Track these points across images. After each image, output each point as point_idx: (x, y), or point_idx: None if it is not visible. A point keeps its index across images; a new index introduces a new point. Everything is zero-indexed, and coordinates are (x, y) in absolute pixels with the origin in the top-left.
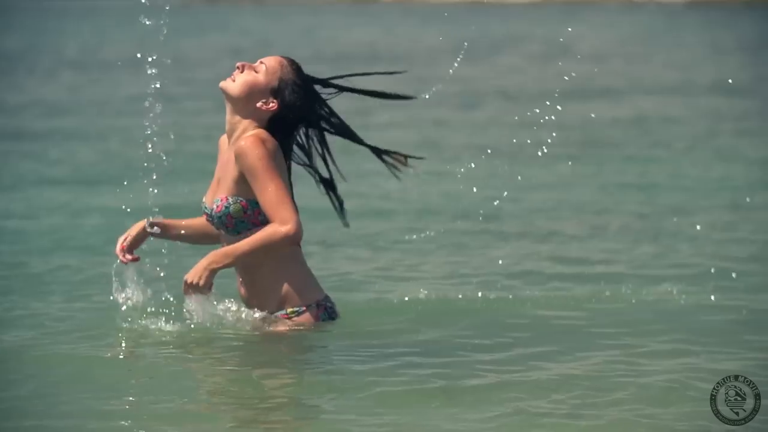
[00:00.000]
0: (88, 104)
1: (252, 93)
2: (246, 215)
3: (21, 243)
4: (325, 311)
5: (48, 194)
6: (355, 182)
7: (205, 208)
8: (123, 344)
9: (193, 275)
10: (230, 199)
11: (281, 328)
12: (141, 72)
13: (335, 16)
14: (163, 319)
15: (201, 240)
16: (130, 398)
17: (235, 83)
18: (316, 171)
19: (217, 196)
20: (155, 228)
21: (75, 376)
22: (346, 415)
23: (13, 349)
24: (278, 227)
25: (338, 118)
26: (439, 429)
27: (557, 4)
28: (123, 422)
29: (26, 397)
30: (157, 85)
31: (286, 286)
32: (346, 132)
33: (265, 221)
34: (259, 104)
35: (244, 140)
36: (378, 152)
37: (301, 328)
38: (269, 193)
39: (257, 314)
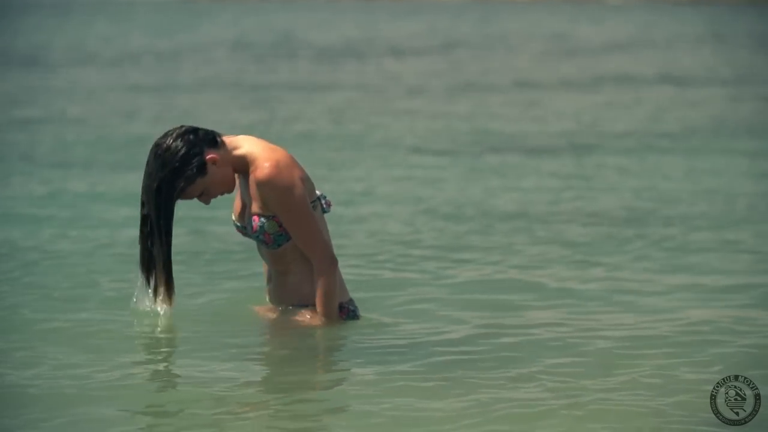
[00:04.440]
0: (87, 96)
1: (223, 180)
2: (282, 229)
3: (17, 231)
4: (348, 314)
5: (44, 183)
6: (351, 180)
7: (236, 224)
8: (134, 336)
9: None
10: (263, 218)
11: (300, 320)
12: (142, 66)
13: (338, 14)
14: (179, 311)
15: None
16: (139, 389)
17: (223, 190)
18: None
19: (249, 215)
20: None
21: (69, 363)
22: (361, 407)
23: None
24: (320, 273)
25: None
26: (451, 419)
27: (558, 3)
28: (132, 415)
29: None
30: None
31: (311, 287)
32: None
33: None
34: (214, 163)
35: (262, 170)
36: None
37: (311, 326)
38: (296, 231)
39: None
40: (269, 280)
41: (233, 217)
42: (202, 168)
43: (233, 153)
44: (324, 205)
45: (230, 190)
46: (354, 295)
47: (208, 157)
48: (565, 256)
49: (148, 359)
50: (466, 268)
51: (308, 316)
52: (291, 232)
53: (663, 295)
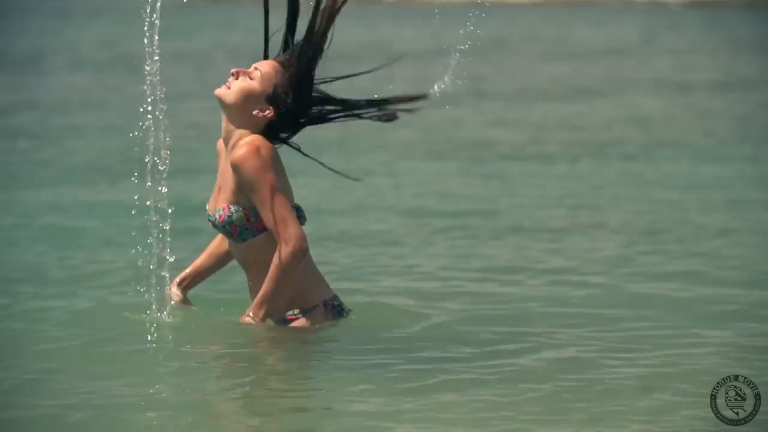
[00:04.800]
0: (87, 102)
1: (247, 100)
2: (249, 222)
3: (18, 241)
4: (333, 310)
5: (46, 192)
6: (350, 181)
7: (209, 216)
8: (125, 345)
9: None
10: (232, 208)
11: (288, 329)
12: (141, 70)
13: (338, 17)
14: (170, 319)
15: (227, 259)
16: (132, 401)
17: (231, 91)
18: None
19: (219, 204)
20: (185, 286)
21: (71, 371)
22: (354, 409)
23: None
24: (284, 251)
25: (336, 102)
26: (438, 420)
27: (557, 4)
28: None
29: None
30: (158, 84)
31: (294, 287)
32: (349, 112)
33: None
34: (254, 112)
35: (240, 149)
36: (386, 108)
37: (308, 327)
38: (269, 209)
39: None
40: (249, 282)
41: (207, 207)
42: (271, 99)
43: (255, 126)
44: (299, 218)
45: (229, 107)
46: (359, 299)
47: (268, 113)
48: (566, 258)
49: (145, 373)
50: (471, 275)
51: (302, 322)
52: (262, 212)
53: (663, 296)
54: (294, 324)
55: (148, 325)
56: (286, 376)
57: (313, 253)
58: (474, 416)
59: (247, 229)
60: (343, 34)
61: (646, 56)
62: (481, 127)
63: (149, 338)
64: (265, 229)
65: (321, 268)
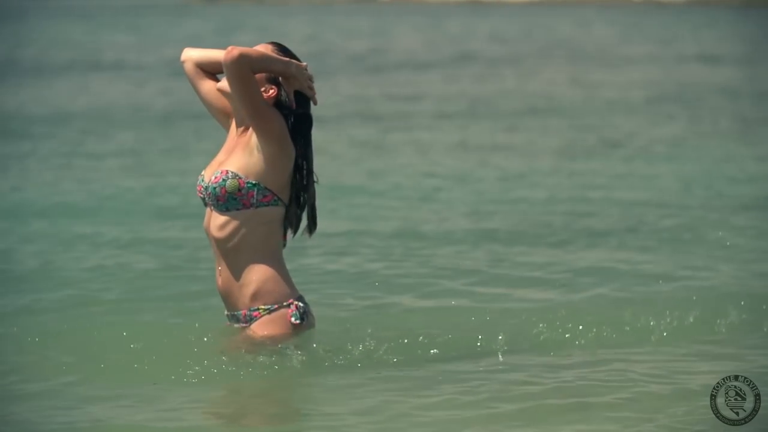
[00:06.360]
0: (87, 109)
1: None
2: (240, 194)
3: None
4: (297, 311)
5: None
6: (348, 184)
7: (201, 180)
8: (94, 353)
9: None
10: (230, 173)
11: (256, 335)
12: (140, 73)
13: (334, 16)
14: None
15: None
16: (108, 412)
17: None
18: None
19: (218, 170)
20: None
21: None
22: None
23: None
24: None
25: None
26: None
27: (556, 5)
28: None
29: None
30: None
31: (261, 282)
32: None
33: (257, 204)
34: (270, 93)
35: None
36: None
37: (276, 334)
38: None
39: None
40: (219, 273)
41: (202, 173)
42: (272, 78)
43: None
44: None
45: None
46: (359, 299)
47: (271, 92)
48: (565, 260)
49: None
50: (451, 275)
51: (265, 320)
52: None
53: (663, 296)
54: (257, 322)
55: (122, 339)
56: (285, 375)
57: (316, 255)
58: (471, 416)
59: (234, 198)
60: (341, 33)
61: (643, 57)
62: (476, 131)
63: (124, 352)
64: (250, 206)
65: (322, 272)
